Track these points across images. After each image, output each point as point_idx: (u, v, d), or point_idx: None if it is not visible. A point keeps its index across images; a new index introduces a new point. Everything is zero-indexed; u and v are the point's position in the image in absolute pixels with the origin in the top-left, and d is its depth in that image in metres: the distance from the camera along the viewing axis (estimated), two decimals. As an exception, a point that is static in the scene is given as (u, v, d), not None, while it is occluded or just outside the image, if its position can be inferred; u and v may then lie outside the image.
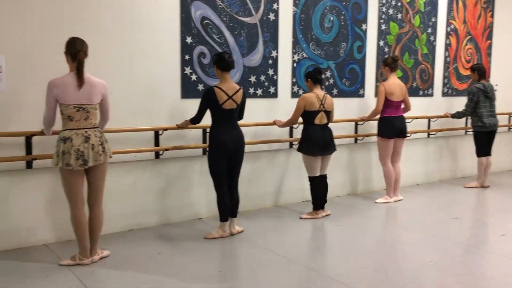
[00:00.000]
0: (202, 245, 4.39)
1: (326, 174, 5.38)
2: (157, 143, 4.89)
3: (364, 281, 3.65)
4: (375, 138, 6.23)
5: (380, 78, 6.56)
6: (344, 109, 6.23)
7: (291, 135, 5.87)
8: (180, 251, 4.26)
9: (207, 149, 4.59)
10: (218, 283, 3.58)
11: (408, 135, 6.22)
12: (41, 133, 4.08)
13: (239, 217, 4.90)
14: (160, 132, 4.87)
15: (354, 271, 3.85)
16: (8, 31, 4.08)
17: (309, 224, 5.14)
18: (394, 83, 5.94)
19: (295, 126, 5.68)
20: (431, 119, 7.20)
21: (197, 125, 4.73)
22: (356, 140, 6.51)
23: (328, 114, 5.26)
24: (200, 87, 5.09)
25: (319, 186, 5.28)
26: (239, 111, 4.61)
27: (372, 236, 4.82)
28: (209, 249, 4.29)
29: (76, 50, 3.68)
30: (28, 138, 4.18)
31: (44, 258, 4.04)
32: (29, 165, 4.24)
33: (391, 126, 5.91)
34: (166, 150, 4.90)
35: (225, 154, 4.47)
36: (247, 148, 4.79)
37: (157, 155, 4.92)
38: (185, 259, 4.05)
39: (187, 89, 5.03)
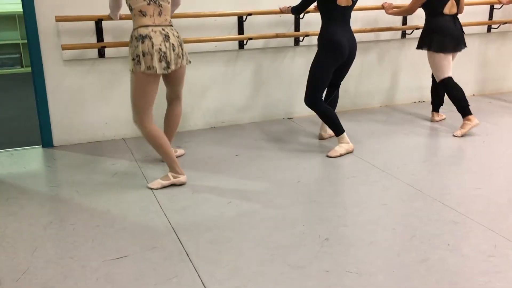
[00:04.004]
0: (285, 146, 3.89)
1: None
2: (241, 31, 4.28)
3: (475, 205, 2.88)
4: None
5: None
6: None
7: (404, 22, 4.87)
8: (259, 155, 3.80)
9: (319, 50, 3.69)
10: (295, 194, 3.08)
11: None
12: (109, 17, 3.70)
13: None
14: (244, 17, 4.23)
15: (465, 192, 3.08)
16: None
17: (421, 130, 4.33)
18: None
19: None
20: None
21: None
22: (489, 29, 5.28)
23: (458, 1, 4.17)
24: (292, -38, 4.27)
25: (457, 86, 4.19)
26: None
27: (499, 150, 3.88)
28: (291, 157, 3.77)
29: None
30: (98, 23, 3.84)
31: (118, 152, 3.86)
32: (101, 53, 3.94)
33: None
34: (251, 39, 4.29)
35: (340, 59, 3.65)
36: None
37: (241, 44, 4.34)
38: (260, 163, 3.58)
39: (276, -35, 4.25)
